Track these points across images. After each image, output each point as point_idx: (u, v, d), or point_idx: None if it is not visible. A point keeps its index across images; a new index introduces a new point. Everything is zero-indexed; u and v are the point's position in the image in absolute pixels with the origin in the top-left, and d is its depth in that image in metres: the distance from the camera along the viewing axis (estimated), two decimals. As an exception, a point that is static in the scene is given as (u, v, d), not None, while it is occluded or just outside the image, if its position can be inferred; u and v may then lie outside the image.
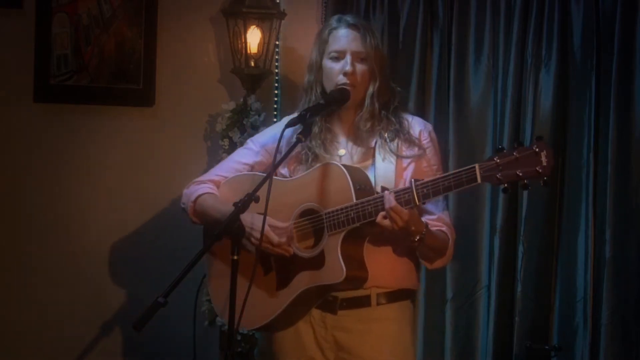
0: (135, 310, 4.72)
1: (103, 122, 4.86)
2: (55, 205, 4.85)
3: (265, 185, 3.16)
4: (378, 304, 3.26)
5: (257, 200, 3.13)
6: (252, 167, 3.48)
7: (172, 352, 4.88)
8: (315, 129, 3.40)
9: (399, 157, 3.31)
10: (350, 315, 3.27)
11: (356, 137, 3.38)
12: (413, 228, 3.11)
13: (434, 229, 3.27)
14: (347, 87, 3.34)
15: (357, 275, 3.18)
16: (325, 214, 3.20)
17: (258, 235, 3.18)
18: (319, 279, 3.18)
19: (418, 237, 3.13)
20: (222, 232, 3.09)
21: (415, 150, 3.33)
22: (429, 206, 3.29)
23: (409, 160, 3.32)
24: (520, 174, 2.91)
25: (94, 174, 4.87)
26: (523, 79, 4.57)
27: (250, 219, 3.27)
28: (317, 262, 3.19)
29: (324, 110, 3.38)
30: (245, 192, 3.30)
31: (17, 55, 4.81)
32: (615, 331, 4.42)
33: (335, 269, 3.13)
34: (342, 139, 3.40)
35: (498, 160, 2.93)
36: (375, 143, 3.35)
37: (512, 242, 4.57)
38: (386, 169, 3.28)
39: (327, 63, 3.40)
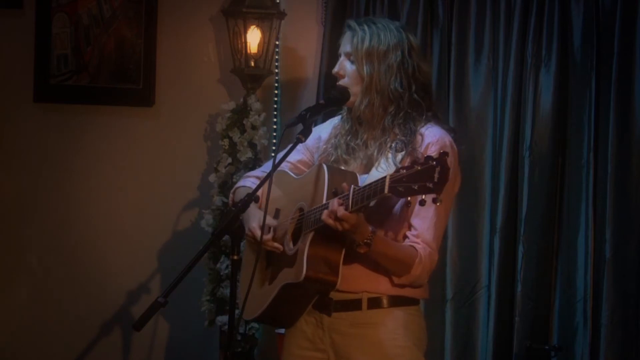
0: (136, 310, 4.78)
1: (103, 122, 4.87)
2: (55, 204, 4.85)
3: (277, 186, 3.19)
4: (369, 308, 3.24)
5: (257, 200, 3.13)
6: (294, 165, 3.45)
7: (172, 352, 4.88)
8: (344, 130, 3.36)
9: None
10: (343, 318, 3.25)
11: (371, 145, 3.33)
12: (356, 234, 3.08)
13: (406, 243, 3.20)
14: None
15: (321, 278, 3.13)
16: (306, 214, 3.20)
17: (248, 231, 3.27)
18: (289, 276, 3.18)
19: (363, 243, 3.09)
20: (222, 231, 3.09)
21: None
22: (414, 221, 3.21)
23: None
24: (416, 188, 2.83)
25: (94, 173, 4.87)
26: (523, 79, 4.57)
27: (246, 216, 3.29)
28: (294, 260, 3.19)
29: (324, 110, 3.36)
30: (279, 188, 3.32)
31: (17, 55, 4.81)
32: (615, 331, 4.42)
33: (299, 268, 3.12)
34: (367, 144, 3.34)
35: (404, 172, 2.88)
36: (380, 152, 3.27)
37: (512, 242, 4.57)
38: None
39: None
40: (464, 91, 4.65)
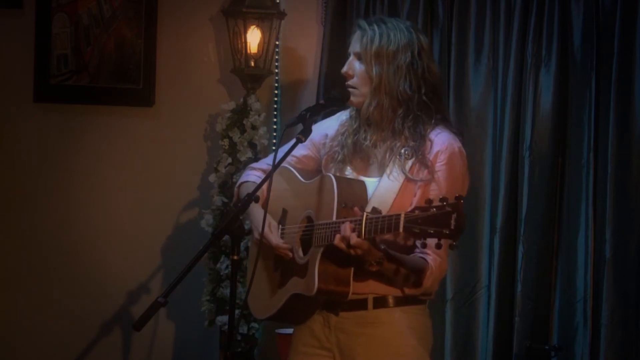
0: (136, 310, 4.78)
1: (103, 122, 4.87)
2: (55, 205, 4.85)
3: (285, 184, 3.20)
4: (374, 307, 3.24)
5: (257, 200, 3.12)
6: (298, 159, 3.43)
7: (172, 352, 4.88)
8: (351, 129, 3.32)
9: (407, 178, 3.19)
10: (350, 317, 3.25)
11: (379, 147, 3.29)
12: (368, 256, 3.05)
13: (416, 253, 3.17)
14: (349, 89, 3.29)
15: (333, 290, 3.13)
16: (315, 226, 3.18)
17: (257, 234, 3.24)
18: (300, 287, 3.19)
19: (375, 263, 3.08)
20: (222, 231, 3.09)
21: (425, 174, 3.18)
22: None
23: (419, 184, 3.18)
24: (432, 232, 2.82)
25: (93, 173, 4.87)
26: (523, 79, 4.57)
27: (257, 215, 3.28)
28: (304, 271, 3.19)
29: (324, 109, 3.35)
30: (280, 183, 3.31)
31: (17, 55, 4.81)
32: (615, 331, 4.42)
33: (310, 282, 3.12)
34: (376, 144, 3.29)
35: (418, 213, 2.85)
36: (391, 158, 3.23)
37: (512, 242, 4.57)
38: (388, 188, 3.19)
39: None
40: (464, 91, 4.65)
